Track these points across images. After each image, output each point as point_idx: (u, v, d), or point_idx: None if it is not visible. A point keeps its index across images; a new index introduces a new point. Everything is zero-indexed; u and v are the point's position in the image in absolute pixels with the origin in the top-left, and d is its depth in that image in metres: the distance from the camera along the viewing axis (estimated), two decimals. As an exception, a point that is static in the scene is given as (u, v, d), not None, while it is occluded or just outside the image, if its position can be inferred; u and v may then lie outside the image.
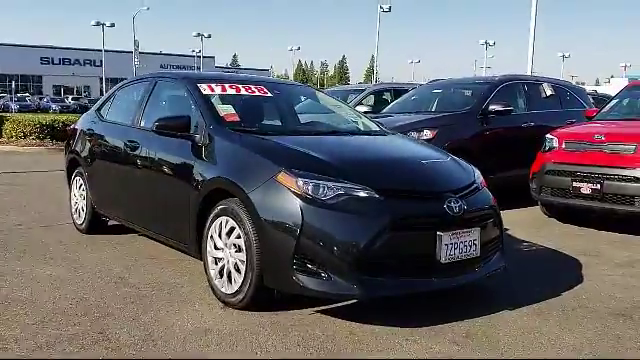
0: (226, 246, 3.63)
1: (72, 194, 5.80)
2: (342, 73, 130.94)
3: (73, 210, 5.77)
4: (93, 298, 3.75)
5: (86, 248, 5.04)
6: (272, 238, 3.31)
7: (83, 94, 63.13)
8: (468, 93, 8.13)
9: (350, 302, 3.63)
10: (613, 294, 4.06)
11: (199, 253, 3.93)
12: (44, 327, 3.24)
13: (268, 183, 3.40)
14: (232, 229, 3.57)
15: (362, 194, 3.30)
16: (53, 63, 67.82)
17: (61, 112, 40.96)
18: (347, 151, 3.95)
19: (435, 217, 3.38)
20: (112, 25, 45.89)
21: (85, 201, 5.51)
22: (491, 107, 7.39)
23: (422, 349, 3.07)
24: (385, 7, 35.99)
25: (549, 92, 8.38)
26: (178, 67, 69.41)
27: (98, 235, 5.45)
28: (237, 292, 3.51)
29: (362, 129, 4.79)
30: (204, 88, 4.39)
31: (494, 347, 3.12)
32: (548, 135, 6.62)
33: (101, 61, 53.52)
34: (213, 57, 77.17)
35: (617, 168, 5.80)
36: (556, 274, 4.61)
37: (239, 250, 3.53)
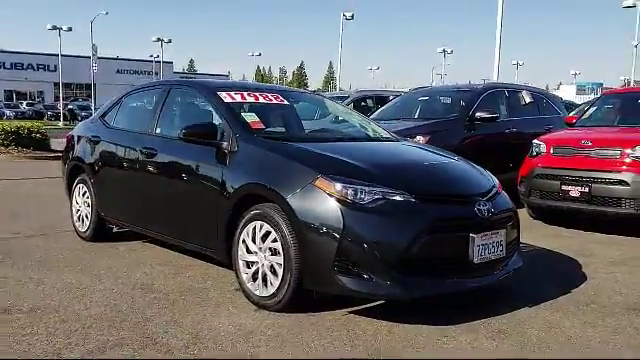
0: (260, 250, 3.70)
1: (74, 201, 5.72)
2: (301, 79, 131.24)
3: (75, 218, 5.70)
4: (125, 304, 3.76)
5: (96, 255, 5.01)
6: (313, 241, 3.41)
7: (37, 99, 61.22)
8: (453, 101, 8.38)
9: (375, 303, 3.75)
10: (618, 290, 4.31)
11: (228, 258, 3.99)
12: (88, 333, 3.25)
13: (307, 188, 3.50)
14: (267, 233, 3.65)
15: (398, 198, 3.45)
16: (4, 67, 65.54)
17: (16, 118, 39.80)
18: (374, 157, 4.08)
19: (467, 220, 3.56)
20: (69, 29, 44.75)
21: (89, 208, 5.46)
22: (477, 114, 7.67)
23: (464, 345, 3.22)
24: (348, 15, 36.38)
25: (528, 99, 8.74)
26: (136, 72, 68.28)
27: (103, 242, 5.42)
28: (274, 295, 3.59)
29: (373, 135, 4.93)
30: (224, 96, 4.46)
31: (528, 342, 3.30)
32: (535, 141, 6.92)
33: (55, 66, 52.18)
34: (171, 62, 76.10)
35: (604, 172, 6.13)
36: (559, 273, 4.85)
37: (275, 254, 3.61)
